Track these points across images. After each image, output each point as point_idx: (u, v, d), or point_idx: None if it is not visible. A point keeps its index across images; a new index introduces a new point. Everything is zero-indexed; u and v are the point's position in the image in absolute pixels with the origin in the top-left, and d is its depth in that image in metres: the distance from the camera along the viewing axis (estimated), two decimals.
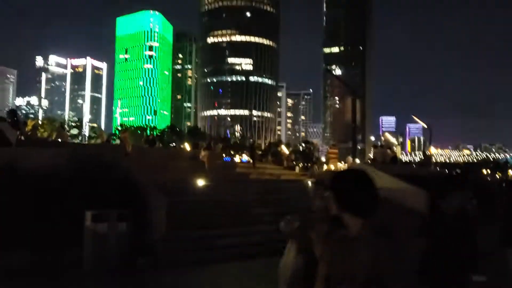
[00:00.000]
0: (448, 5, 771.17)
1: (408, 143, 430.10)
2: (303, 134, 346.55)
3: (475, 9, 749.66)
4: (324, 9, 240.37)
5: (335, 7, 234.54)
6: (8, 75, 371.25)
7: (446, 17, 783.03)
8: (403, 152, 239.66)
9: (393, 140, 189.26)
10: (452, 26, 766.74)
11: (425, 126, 44.50)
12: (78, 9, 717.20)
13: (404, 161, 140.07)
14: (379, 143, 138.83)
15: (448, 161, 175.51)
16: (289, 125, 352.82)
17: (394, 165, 23.91)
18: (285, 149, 41.29)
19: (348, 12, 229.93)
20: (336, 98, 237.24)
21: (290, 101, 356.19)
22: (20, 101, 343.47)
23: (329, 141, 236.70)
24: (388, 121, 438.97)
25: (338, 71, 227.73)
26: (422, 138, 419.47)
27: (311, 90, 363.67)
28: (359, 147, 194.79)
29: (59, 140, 24.84)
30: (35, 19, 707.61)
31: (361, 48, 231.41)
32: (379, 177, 19.96)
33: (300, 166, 39.31)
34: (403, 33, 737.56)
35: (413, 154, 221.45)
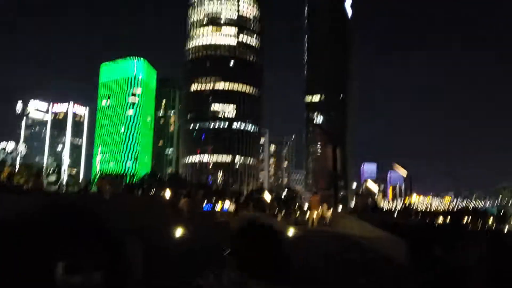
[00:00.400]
0: (430, 52, 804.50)
1: (390, 190, 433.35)
2: (285, 180, 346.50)
3: (457, 57, 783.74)
4: (306, 59, 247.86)
5: (316, 57, 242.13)
6: None
7: (427, 63, 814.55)
8: (385, 200, 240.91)
9: (374, 188, 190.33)
10: (432, 72, 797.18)
11: (405, 174, 45.09)
12: (62, 54, 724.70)
13: (385, 209, 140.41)
14: (361, 191, 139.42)
15: (429, 209, 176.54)
16: (271, 172, 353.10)
17: (375, 214, 23.92)
18: (267, 196, 41.07)
19: (329, 61, 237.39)
20: (318, 145, 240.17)
21: (273, 148, 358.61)
22: None
23: (312, 188, 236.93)
24: (369, 168, 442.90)
25: (319, 119, 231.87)
26: (403, 186, 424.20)
27: (293, 136, 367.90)
28: (341, 194, 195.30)
29: (35, 187, 24.29)
30: (16, 63, 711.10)
31: (341, 96, 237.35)
32: (360, 225, 19.94)
33: (283, 213, 39.02)
34: (384, 79, 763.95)
35: (395, 202, 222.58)
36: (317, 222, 25.03)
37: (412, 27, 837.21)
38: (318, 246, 18.63)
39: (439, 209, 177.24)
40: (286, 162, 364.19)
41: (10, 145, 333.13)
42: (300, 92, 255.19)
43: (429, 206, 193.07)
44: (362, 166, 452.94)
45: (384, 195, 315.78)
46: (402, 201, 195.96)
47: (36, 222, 9.82)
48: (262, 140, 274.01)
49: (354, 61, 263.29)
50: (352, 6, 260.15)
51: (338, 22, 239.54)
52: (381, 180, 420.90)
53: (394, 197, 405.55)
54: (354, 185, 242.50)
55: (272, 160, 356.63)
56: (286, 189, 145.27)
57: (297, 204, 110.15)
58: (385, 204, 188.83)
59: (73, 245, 9.75)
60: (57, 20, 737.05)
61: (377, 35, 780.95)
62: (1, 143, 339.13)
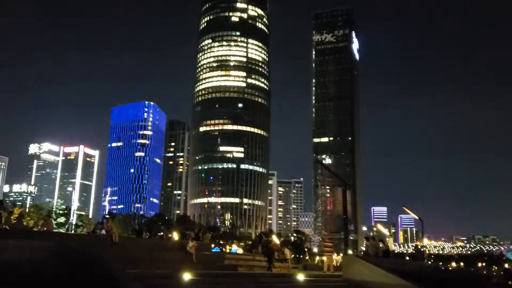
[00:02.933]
0: (437, 90, 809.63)
1: (401, 234, 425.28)
2: (294, 223, 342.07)
3: (463, 96, 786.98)
4: (313, 101, 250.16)
5: (323, 100, 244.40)
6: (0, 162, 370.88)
7: (436, 103, 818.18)
8: (396, 244, 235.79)
9: (385, 231, 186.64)
10: (443, 109, 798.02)
11: (417, 217, 44.31)
12: (74, 98, 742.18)
13: (396, 252, 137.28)
14: (371, 234, 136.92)
15: (441, 253, 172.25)
16: (280, 214, 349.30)
17: (387, 259, 23.41)
18: (276, 240, 40.43)
19: (336, 104, 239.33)
20: (327, 187, 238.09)
21: (281, 189, 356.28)
22: (8, 188, 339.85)
23: (321, 231, 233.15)
24: (379, 211, 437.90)
25: (328, 161, 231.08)
26: (414, 229, 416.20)
27: (302, 178, 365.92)
28: (351, 238, 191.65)
29: (45, 229, 24.29)
30: (29, 107, 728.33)
31: (349, 138, 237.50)
32: (372, 270, 19.50)
33: (292, 257, 38.28)
34: (392, 121, 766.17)
35: (406, 246, 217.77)
36: (329, 267, 24.54)
37: (422, 71, 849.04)
38: None
39: (452, 253, 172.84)
40: (294, 205, 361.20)
41: (21, 187, 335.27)
42: (308, 134, 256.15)
43: (441, 250, 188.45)
44: (372, 209, 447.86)
45: (395, 239, 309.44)
46: (414, 245, 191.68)
47: (45, 266, 9.83)
48: (270, 182, 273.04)
49: (363, 104, 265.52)
50: (359, 50, 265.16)
51: (346, 65, 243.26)
52: (392, 224, 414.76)
53: (405, 240, 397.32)
54: (364, 228, 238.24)
55: (280, 202, 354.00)
56: (295, 232, 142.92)
57: (306, 248, 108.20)
58: (396, 248, 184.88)
59: None
60: (68, 65, 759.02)
61: (385, 78, 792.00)
62: (14, 185, 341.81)
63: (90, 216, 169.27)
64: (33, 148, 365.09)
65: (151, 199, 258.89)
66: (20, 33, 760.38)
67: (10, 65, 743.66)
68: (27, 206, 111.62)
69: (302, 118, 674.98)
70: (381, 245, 25.84)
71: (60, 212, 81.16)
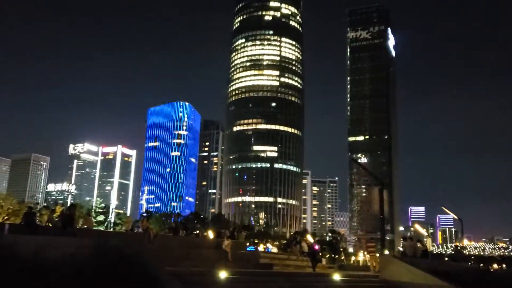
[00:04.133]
0: (481, 86, 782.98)
1: (439, 234, 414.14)
2: (329, 223, 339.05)
3: (502, 94, 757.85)
4: (348, 99, 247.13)
5: (359, 98, 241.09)
6: (42, 162, 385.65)
7: (475, 101, 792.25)
8: (434, 244, 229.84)
9: (423, 231, 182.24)
10: (481, 107, 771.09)
11: (456, 217, 43.04)
12: (112, 100, 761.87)
13: (435, 253, 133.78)
14: (408, 235, 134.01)
15: (482, 254, 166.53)
16: (314, 213, 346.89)
17: (425, 259, 22.84)
18: (311, 239, 40.22)
19: (372, 102, 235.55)
20: (363, 187, 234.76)
21: (315, 189, 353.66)
22: (51, 187, 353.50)
23: (357, 231, 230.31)
24: (417, 211, 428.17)
25: (363, 160, 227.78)
26: (453, 230, 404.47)
27: (336, 178, 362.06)
28: (387, 238, 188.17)
29: (85, 226, 25.05)
30: (69, 108, 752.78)
31: (386, 137, 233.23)
32: (410, 271, 19.07)
33: (327, 257, 37.97)
34: (429, 119, 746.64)
35: (444, 246, 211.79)
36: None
37: (457, 65, 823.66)
38: None
39: (493, 254, 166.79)
40: (328, 204, 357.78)
41: (62, 186, 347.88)
42: (343, 132, 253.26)
43: (482, 251, 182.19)
44: (409, 209, 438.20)
45: (433, 239, 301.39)
46: (453, 246, 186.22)
47: (85, 263, 10.15)
48: (304, 181, 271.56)
49: (399, 101, 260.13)
50: (395, 46, 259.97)
51: (381, 62, 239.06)
52: (430, 224, 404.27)
53: (444, 241, 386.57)
54: (401, 228, 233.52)
55: (314, 201, 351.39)
56: (330, 232, 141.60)
57: (342, 247, 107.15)
58: (434, 249, 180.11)
59: None
60: (106, 67, 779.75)
61: (422, 75, 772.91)
62: (55, 184, 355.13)
63: (128, 214, 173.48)
64: (73, 149, 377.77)
65: (186, 198, 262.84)
66: (61, 35, 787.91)
67: (52, 67, 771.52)
68: (68, 204, 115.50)
69: (336, 117, 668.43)
70: (419, 245, 25.22)
71: (99, 210, 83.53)
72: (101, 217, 78.44)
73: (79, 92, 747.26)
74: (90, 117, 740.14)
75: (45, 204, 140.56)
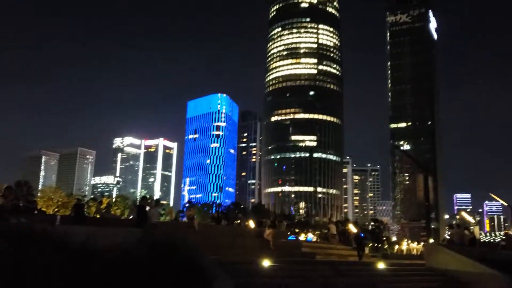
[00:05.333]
0: None
1: (487, 222, 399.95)
2: (371, 212, 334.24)
3: None
4: (389, 85, 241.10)
5: (400, 83, 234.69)
6: (87, 156, 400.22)
7: None
8: (481, 232, 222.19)
9: (470, 219, 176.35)
10: None
11: (505, 204, 41.27)
12: (152, 94, 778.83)
13: (483, 241, 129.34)
14: (454, 222, 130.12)
15: None
16: (356, 202, 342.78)
17: (473, 247, 22.10)
18: (353, 228, 39.79)
19: (414, 87, 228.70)
20: (406, 174, 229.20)
21: (356, 178, 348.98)
22: (96, 180, 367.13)
23: (400, 220, 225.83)
24: (462, 198, 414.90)
25: (406, 147, 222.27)
26: (502, 217, 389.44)
27: (378, 166, 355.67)
28: (432, 226, 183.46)
29: (131, 217, 25.82)
30: (113, 104, 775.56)
31: (429, 123, 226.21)
32: (457, 259, 18.50)
33: (370, 246, 37.49)
34: (476, 103, 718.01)
35: (492, 234, 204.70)
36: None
37: (502, 46, 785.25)
38: (412, 282, 17.59)
39: None
40: (370, 193, 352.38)
41: (107, 178, 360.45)
42: (384, 119, 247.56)
43: None
44: (454, 196, 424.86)
45: (480, 227, 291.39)
46: (503, 233, 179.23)
47: (133, 252, 10.43)
48: (345, 170, 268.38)
49: (443, 85, 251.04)
50: (437, 29, 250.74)
51: (423, 46, 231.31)
52: (476, 212, 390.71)
53: (492, 229, 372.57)
54: (446, 216, 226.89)
55: (356, 190, 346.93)
56: (373, 221, 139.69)
57: (385, 236, 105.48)
58: (482, 237, 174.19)
59: (167, 277, 10.18)
60: (146, 62, 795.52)
61: (467, 57, 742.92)
62: (101, 177, 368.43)
63: (171, 205, 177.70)
64: (116, 142, 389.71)
65: (226, 188, 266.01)
66: (105, 35, 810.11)
67: (95, 67, 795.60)
68: (114, 196, 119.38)
69: (377, 103, 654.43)
70: (466, 233, 24.42)
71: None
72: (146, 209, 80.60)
73: (121, 87, 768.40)
74: (132, 111, 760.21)
75: (92, 196, 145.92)
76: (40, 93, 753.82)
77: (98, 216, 25.22)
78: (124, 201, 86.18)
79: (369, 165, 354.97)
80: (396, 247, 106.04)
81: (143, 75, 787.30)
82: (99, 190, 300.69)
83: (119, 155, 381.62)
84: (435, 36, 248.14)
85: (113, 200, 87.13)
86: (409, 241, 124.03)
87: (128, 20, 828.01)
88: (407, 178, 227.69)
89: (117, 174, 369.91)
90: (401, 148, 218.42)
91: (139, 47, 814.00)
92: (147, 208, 17.78)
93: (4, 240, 10.11)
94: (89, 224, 17.04)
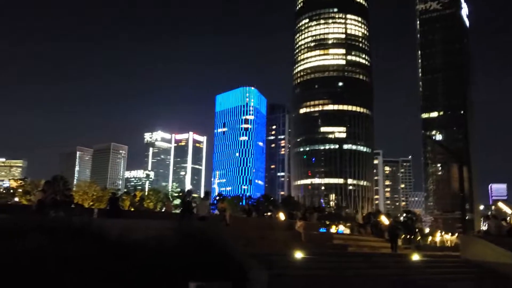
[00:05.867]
0: None
1: None
2: (403, 203, 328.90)
3: None
4: (420, 74, 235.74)
5: (431, 72, 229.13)
6: (120, 151, 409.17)
7: None
8: None
9: (507, 209, 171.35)
10: None
11: None
12: (182, 90, 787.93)
13: None
14: (490, 213, 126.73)
15: None
16: (387, 194, 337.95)
17: (510, 239, 21.49)
18: (385, 220, 39.28)
19: (446, 75, 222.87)
20: (439, 165, 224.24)
21: (387, 169, 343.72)
22: (129, 174, 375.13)
23: (433, 211, 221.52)
24: (498, 188, 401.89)
25: (438, 137, 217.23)
26: None
27: (410, 157, 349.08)
28: (466, 217, 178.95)
29: (163, 210, 26.32)
30: (144, 99, 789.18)
31: (462, 112, 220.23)
32: (495, 250, 18.03)
33: (402, 238, 36.95)
34: (509, 91, 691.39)
35: None
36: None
37: None
38: (448, 274, 17.29)
39: None
40: (402, 184, 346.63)
41: (140, 172, 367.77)
42: (415, 109, 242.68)
43: None
44: (489, 186, 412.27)
45: None
46: None
47: (169, 244, 10.66)
48: (375, 161, 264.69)
49: (475, 73, 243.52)
50: (469, 16, 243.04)
51: (454, 33, 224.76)
52: None
53: None
54: (481, 207, 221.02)
55: (387, 182, 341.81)
56: (405, 212, 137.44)
57: (418, 228, 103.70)
58: None
59: (201, 268, 10.37)
60: (172, 60, 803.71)
61: (501, 44, 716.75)
62: (133, 171, 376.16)
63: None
64: (147, 137, 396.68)
65: (256, 181, 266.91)
66: (135, 32, 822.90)
67: (128, 64, 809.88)
68: (146, 190, 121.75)
69: (408, 93, 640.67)
70: (504, 224, 23.75)
71: (175, 194, 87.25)
72: (177, 201, 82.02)
73: (151, 83, 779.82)
74: (163, 106, 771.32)
75: (125, 190, 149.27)
76: (72, 93, 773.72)
77: (132, 209, 25.83)
78: (156, 194, 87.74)
79: (400, 156, 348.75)
80: (429, 238, 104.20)
81: (172, 71, 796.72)
82: (131, 184, 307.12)
83: (151, 149, 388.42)
84: (467, 23, 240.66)
85: (146, 193, 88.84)
86: (443, 233, 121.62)
87: (157, 15, 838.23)
88: (440, 168, 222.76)
89: (149, 168, 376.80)
90: (433, 138, 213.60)
91: (169, 43, 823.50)
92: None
93: (44, 233, 10.51)
94: (124, 217, 17.48)
